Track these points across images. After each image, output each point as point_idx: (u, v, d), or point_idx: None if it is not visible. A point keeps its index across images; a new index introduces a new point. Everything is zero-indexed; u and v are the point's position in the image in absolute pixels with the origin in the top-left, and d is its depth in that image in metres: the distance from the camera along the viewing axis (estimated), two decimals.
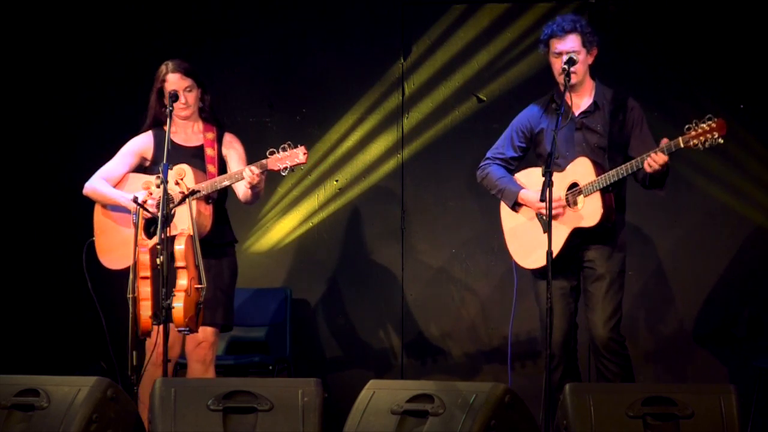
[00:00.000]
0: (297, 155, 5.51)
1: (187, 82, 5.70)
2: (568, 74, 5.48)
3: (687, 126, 5.26)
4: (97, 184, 5.75)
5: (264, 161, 5.53)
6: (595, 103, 5.63)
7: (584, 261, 5.61)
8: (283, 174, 5.56)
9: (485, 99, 7.04)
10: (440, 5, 7.06)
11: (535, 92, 6.75)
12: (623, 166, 5.42)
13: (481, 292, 7.02)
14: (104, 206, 5.77)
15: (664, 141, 5.34)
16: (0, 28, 7.21)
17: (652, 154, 5.32)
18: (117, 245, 5.69)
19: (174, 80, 5.67)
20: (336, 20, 7.15)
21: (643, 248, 6.74)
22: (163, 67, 5.72)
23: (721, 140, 5.20)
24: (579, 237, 5.56)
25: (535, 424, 4.72)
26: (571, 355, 5.67)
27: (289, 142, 5.52)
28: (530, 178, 5.72)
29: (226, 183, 5.62)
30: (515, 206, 5.73)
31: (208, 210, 5.66)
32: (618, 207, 5.57)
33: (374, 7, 7.12)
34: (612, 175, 5.43)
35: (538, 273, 5.60)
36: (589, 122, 5.63)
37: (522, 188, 5.69)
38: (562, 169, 5.59)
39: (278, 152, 5.52)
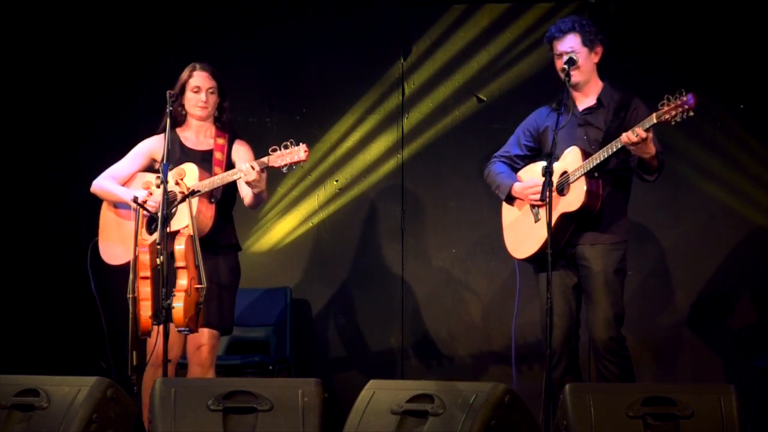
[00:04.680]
0: (298, 152, 5.51)
1: (213, 83, 5.75)
2: (567, 74, 5.52)
3: (660, 102, 5.23)
4: (104, 182, 5.77)
5: (264, 158, 5.53)
6: (599, 101, 5.65)
7: (580, 259, 5.62)
8: (284, 171, 5.56)
9: (485, 99, 7.04)
10: (440, 5, 7.06)
11: (535, 92, 6.77)
12: (604, 148, 5.42)
13: (482, 292, 7.02)
14: (110, 203, 5.79)
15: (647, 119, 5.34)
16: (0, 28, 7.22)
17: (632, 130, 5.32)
18: (119, 240, 5.70)
19: (200, 77, 5.72)
20: (336, 20, 7.15)
21: (643, 248, 6.74)
22: (189, 68, 5.76)
23: (691, 113, 5.15)
24: (569, 222, 5.55)
25: (535, 424, 4.72)
26: (573, 353, 5.67)
27: (292, 140, 5.52)
28: (528, 174, 5.74)
29: (219, 182, 5.56)
30: (509, 199, 5.77)
31: (210, 210, 5.65)
32: (615, 204, 5.58)
33: (374, 7, 7.11)
34: (595, 158, 5.44)
35: (537, 266, 5.65)
36: (591, 119, 5.65)
37: (516, 182, 5.73)
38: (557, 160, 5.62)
39: (280, 149, 5.53)
